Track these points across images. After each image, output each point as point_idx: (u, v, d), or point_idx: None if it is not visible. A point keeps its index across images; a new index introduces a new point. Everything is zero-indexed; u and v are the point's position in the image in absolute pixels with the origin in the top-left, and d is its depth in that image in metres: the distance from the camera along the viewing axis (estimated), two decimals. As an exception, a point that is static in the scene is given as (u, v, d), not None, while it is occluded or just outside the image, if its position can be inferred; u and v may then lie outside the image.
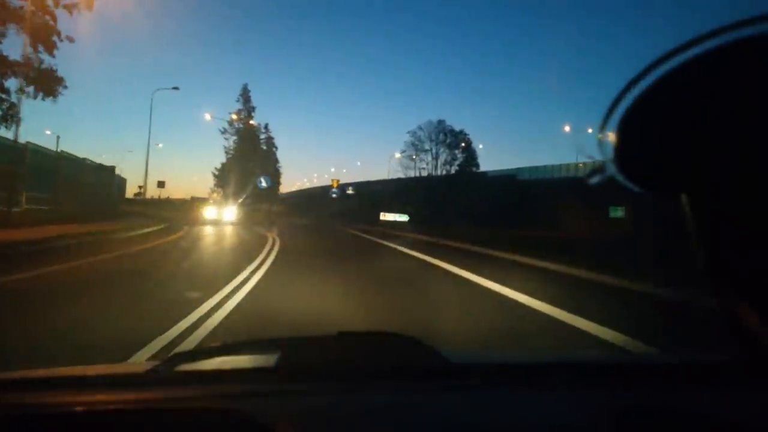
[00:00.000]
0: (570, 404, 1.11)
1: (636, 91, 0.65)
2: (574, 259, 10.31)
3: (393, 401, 1.07)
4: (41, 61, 19.07)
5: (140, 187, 42.87)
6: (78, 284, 6.65)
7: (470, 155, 62.31)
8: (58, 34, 19.18)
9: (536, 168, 52.35)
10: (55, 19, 18.90)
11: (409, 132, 64.39)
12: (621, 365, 1.49)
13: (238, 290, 6.26)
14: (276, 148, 70.26)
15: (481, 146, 63.67)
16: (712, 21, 0.59)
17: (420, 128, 63.29)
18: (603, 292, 7.98)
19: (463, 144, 62.22)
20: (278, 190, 74.88)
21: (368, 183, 70.59)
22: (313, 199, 75.71)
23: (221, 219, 28.68)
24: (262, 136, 67.60)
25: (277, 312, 5.42)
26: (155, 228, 18.82)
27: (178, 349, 3.47)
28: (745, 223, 0.68)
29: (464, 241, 17.03)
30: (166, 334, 4.01)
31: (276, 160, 70.42)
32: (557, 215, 26.70)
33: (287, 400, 1.07)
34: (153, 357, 3.38)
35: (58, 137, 43.09)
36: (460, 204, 42.20)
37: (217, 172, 61.83)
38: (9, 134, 17.57)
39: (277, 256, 10.83)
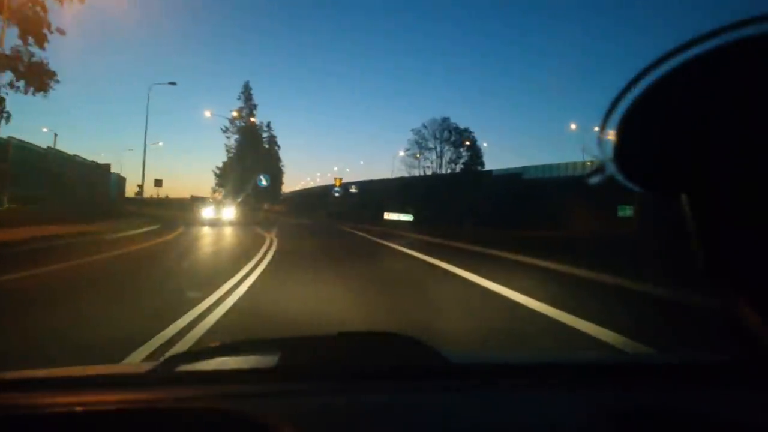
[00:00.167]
0: (570, 404, 1.10)
1: (636, 91, 0.66)
2: (581, 261, 10.03)
3: (393, 401, 1.07)
4: (31, 55, 18.54)
5: (139, 186, 42.30)
6: (13, 302, 5.33)
7: (475, 153, 61.71)
8: (48, 26, 18.63)
9: (542, 167, 51.56)
10: (45, 9, 18.34)
11: (412, 130, 63.85)
12: (621, 365, 1.49)
13: (217, 306, 5.29)
14: (278, 146, 69.92)
15: (485, 145, 62.97)
16: (716, 20, 0.59)
17: (424, 126, 62.77)
18: (612, 294, 7.77)
19: (467, 142, 61.59)
20: (281, 189, 74.62)
21: (371, 182, 69.80)
22: (316, 198, 75.20)
23: (220, 219, 27.77)
24: (264, 135, 67.21)
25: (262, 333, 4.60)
26: (146, 229, 18.06)
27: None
28: (745, 223, 0.69)
29: (470, 241, 16.41)
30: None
31: (278, 159, 70.08)
32: (564, 214, 26.66)
33: (287, 400, 1.07)
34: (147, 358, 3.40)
35: (55, 135, 42.41)
36: (464, 203, 41.79)
37: (218, 171, 61.46)
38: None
39: (271, 261, 9.91)
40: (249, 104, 61.44)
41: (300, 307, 5.69)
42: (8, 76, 17.99)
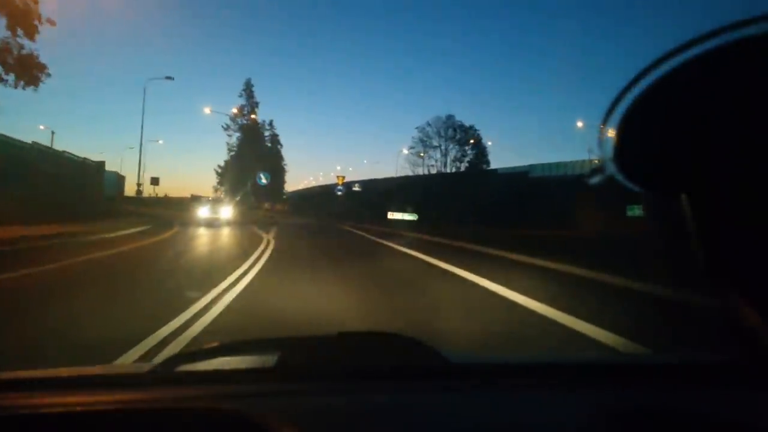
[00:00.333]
0: (570, 404, 1.10)
1: (636, 91, 0.66)
2: (584, 261, 9.79)
3: (393, 401, 1.07)
4: (21, 47, 17.96)
5: (139, 184, 41.77)
6: None
7: (480, 151, 60.93)
8: (39, 17, 18.05)
9: (549, 165, 50.94)
10: (35, 0, 17.76)
11: (417, 128, 62.98)
12: (621, 365, 1.48)
13: (190, 326, 4.38)
14: (281, 145, 69.31)
15: (490, 143, 62.10)
16: (716, 20, 0.60)
17: (428, 124, 61.95)
18: (612, 294, 7.69)
19: (472, 140, 60.81)
20: (283, 188, 74.14)
21: (374, 181, 68.96)
22: (318, 197, 74.70)
23: (218, 218, 26.39)
24: (267, 133, 66.64)
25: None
26: (136, 230, 17.08)
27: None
28: (745, 223, 0.69)
29: (477, 242, 15.81)
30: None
31: (281, 158, 69.47)
32: (572, 214, 26.43)
33: (287, 400, 1.07)
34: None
35: (52, 133, 41.92)
36: (470, 202, 41.26)
37: (219, 170, 60.85)
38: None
39: (265, 265, 9.03)
40: (251, 102, 60.90)
41: (293, 317, 4.99)
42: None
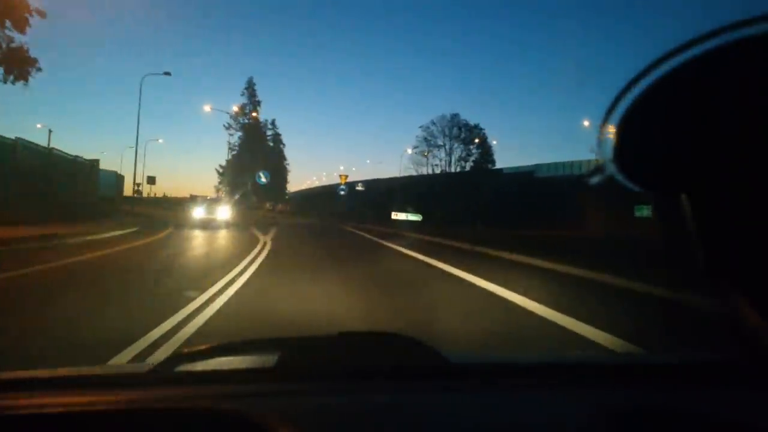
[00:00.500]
0: (570, 404, 1.10)
1: (636, 91, 0.66)
2: (591, 263, 9.58)
3: (393, 401, 1.07)
4: (10, 40, 17.24)
5: (138, 184, 41.09)
6: None
7: (486, 151, 60.03)
8: (28, 8, 17.35)
9: (555, 164, 50.43)
10: None
11: (421, 127, 62.16)
12: (621, 365, 1.48)
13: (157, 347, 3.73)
14: (283, 144, 68.68)
15: (495, 142, 61.16)
16: (717, 20, 0.60)
17: (433, 123, 61.10)
18: (614, 296, 7.57)
19: (477, 140, 59.88)
20: (285, 188, 73.45)
21: (378, 181, 68.10)
22: (321, 197, 74.09)
23: (214, 219, 24.45)
24: (269, 133, 66.09)
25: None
26: (124, 231, 16.03)
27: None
28: (745, 223, 0.69)
29: (483, 244, 15.18)
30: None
31: (283, 158, 68.81)
32: (579, 214, 26.55)
33: (287, 400, 1.06)
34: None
35: (49, 131, 41.07)
36: (475, 203, 40.70)
37: (221, 170, 59.96)
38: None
39: (257, 271, 8.24)
40: (253, 100, 60.29)
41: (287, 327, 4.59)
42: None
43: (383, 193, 56.12)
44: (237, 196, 36.34)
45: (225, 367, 1.22)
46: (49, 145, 29.12)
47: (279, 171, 65.42)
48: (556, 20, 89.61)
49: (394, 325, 4.75)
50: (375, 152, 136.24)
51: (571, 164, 47.35)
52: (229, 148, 58.06)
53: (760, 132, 0.64)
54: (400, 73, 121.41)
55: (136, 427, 0.99)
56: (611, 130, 0.69)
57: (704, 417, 1.03)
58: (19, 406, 0.98)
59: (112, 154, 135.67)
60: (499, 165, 59.83)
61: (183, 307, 5.06)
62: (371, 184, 64.28)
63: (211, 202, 27.51)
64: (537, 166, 52.60)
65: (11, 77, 17.76)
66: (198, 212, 24.99)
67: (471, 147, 60.42)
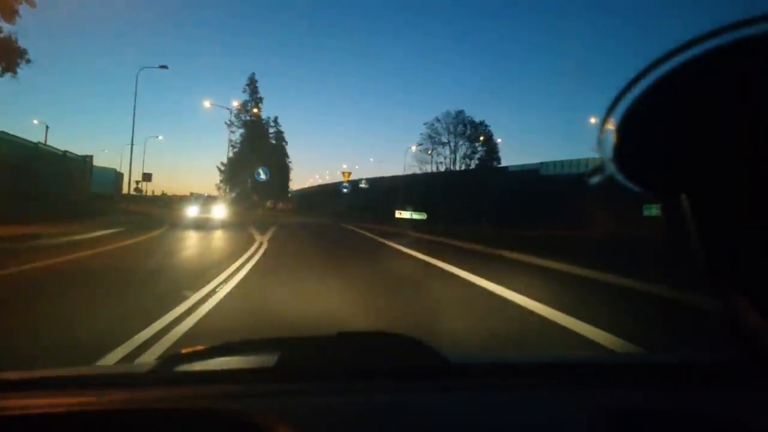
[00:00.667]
0: (570, 404, 1.10)
1: (636, 91, 0.66)
2: (596, 263, 9.41)
3: (393, 401, 1.07)
4: None
5: (137, 182, 40.42)
6: None
7: (491, 148, 59.18)
8: None
9: (561, 162, 49.64)
10: None
11: (425, 124, 61.31)
12: (621, 365, 1.48)
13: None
14: (286, 142, 67.90)
15: (499, 140, 60.29)
16: (717, 20, 0.60)
17: (437, 120, 60.26)
18: (616, 296, 7.55)
19: (482, 137, 59.01)
20: (288, 186, 72.80)
21: (381, 179, 67.14)
22: (324, 195, 73.55)
23: (210, 218, 22.94)
24: (271, 130, 65.33)
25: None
26: (112, 231, 14.84)
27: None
28: (745, 223, 0.69)
29: (495, 244, 14.58)
30: None
31: (286, 155, 68.03)
32: (585, 213, 25.86)
33: (287, 400, 1.07)
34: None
35: (47, 127, 40.47)
36: (480, 201, 40.10)
37: (222, 167, 59.14)
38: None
39: (247, 277, 7.43)
40: (255, 97, 59.61)
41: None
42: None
43: (387, 192, 55.31)
44: (234, 195, 35.47)
45: (224, 367, 1.21)
46: (45, 141, 28.44)
47: (281, 169, 64.81)
48: (561, 18, 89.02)
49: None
50: (378, 150, 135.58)
51: (578, 162, 46.61)
52: (231, 146, 57.37)
53: (760, 132, 0.64)
54: (403, 71, 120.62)
55: (136, 427, 0.98)
56: (611, 127, 0.68)
57: (704, 417, 1.03)
58: (19, 406, 0.98)
59: (113, 152, 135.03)
60: (504, 162, 59.11)
61: (142, 330, 4.15)
62: (375, 182, 63.38)
63: (207, 201, 25.94)
64: (542, 164, 51.98)
65: None
66: (192, 211, 23.47)
67: (476, 144, 59.59)
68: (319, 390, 1.12)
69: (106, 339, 3.78)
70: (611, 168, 0.71)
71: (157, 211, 30.11)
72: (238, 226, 22.69)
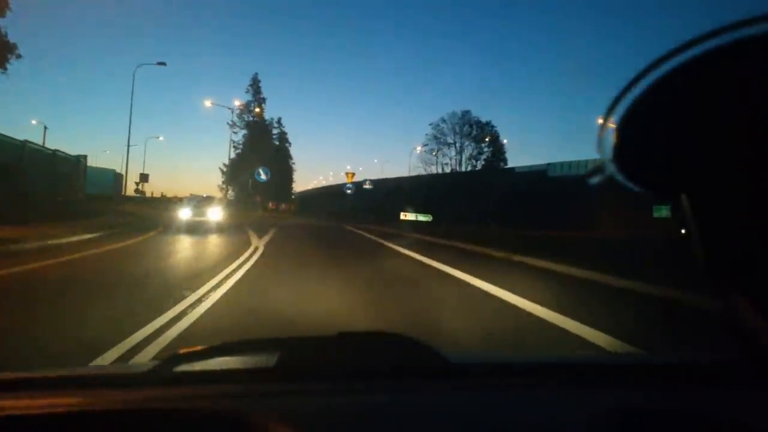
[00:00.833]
0: (570, 404, 1.10)
1: (636, 91, 0.66)
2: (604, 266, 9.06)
3: (393, 401, 1.07)
4: None
5: (137, 183, 39.75)
6: None
7: (497, 149, 58.32)
8: None
9: (569, 163, 48.89)
10: None
11: (431, 124, 60.58)
12: (621, 366, 1.48)
13: None
14: (289, 143, 67.34)
15: (505, 141, 59.37)
16: (717, 20, 0.60)
17: (443, 120, 59.49)
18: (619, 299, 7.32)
19: (488, 137, 58.12)
20: (291, 188, 72.21)
21: (385, 180, 66.44)
22: (327, 197, 72.86)
23: (206, 220, 21.19)
24: (275, 131, 64.74)
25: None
26: (94, 235, 13.52)
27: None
28: (745, 223, 0.69)
29: (503, 248, 13.63)
30: None
31: (289, 156, 67.49)
32: (595, 214, 26.15)
33: (287, 400, 1.07)
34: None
35: (45, 128, 40.14)
36: (487, 202, 39.52)
37: (225, 168, 58.33)
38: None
39: (231, 292, 6.33)
40: (258, 98, 59.13)
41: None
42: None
43: (391, 193, 54.54)
44: (236, 196, 34.55)
45: (225, 367, 1.21)
46: (44, 142, 27.76)
47: (285, 170, 64.25)
48: (567, 18, 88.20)
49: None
50: (383, 152, 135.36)
51: (586, 163, 45.89)
52: (233, 147, 56.63)
53: (760, 132, 0.64)
54: (408, 72, 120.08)
55: (136, 427, 0.98)
56: (612, 125, 0.68)
57: (704, 417, 1.03)
58: (19, 406, 0.98)
59: (115, 153, 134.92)
60: (511, 164, 58.27)
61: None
62: (379, 184, 62.39)
63: (201, 202, 23.58)
64: (549, 165, 51.30)
65: None
66: (185, 213, 21.47)
67: (482, 145, 58.84)
68: (319, 390, 1.12)
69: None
70: (611, 168, 0.71)
71: (154, 213, 28.98)
72: (235, 228, 21.57)
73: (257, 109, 58.50)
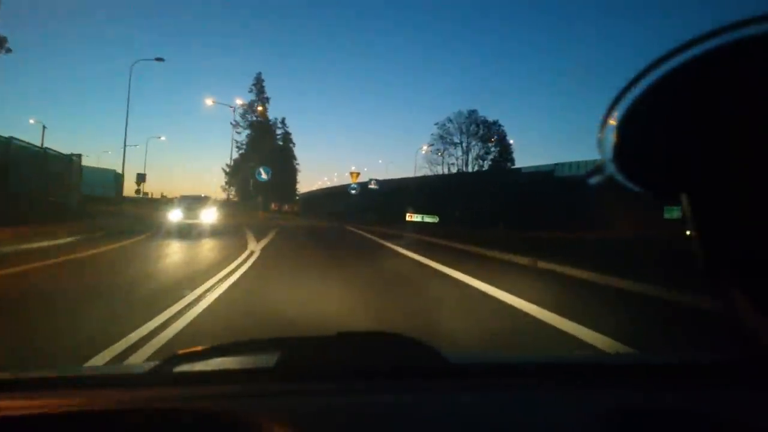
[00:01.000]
0: (570, 404, 1.10)
1: (636, 91, 0.66)
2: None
3: (393, 401, 1.07)
4: None
5: (138, 183, 39.02)
6: None
7: (504, 149, 57.47)
8: None
9: (577, 163, 48.24)
10: None
11: (437, 124, 59.94)
12: (621, 365, 1.47)
13: None
14: (293, 144, 66.68)
15: (512, 141, 58.45)
16: (717, 20, 0.60)
17: (449, 120, 58.83)
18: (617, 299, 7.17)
19: (495, 137, 57.25)
20: (295, 188, 71.57)
21: (391, 181, 65.37)
22: (331, 198, 72.09)
23: (199, 222, 19.12)
24: (279, 132, 64.11)
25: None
26: (74, 239, 12.43)
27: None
28: (745, 223, 0.69)
29: (517, 252, 12.65)
30: None
31: (293, 157, 66.87)
32: (603, 215, 25.25)
33: (287, 400, 1.07)
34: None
35: (43, 127, 39.44)
36: (494, 203, 38.94)
37: (228, 169, 57.60)
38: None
39: (212, 308, 5.32)
40: (261, 97, 58.51)
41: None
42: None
43: (397, 194, 53.71)
44: (239, 197, 33.75)
45: (224, 368, 1.21)
46: (42, 142, 27.03)
47: (289, 171, 63.64)
48: (574, 18, 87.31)
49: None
50: (388, 152, 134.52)
51: (594, 163, 44.98)
52: (237, 147, 55.84)
53: (760, 132, 0.64)
54: (413, 72, 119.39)
55: (135, 427, 0.98)
56: (613, 122, 0.68)
57: (704, 417, 1.03)
58: (18, 406, 0.98)
59: (116, 154, 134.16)
60: (518, 164, 57.40)
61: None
62: (384, 184, 61.55)
63: (193, 203, 20.93)
64: (557, 165, 50.64)
65: None
66: (175, 215, 19.26)
67: (489, 145, 57.97)
68: (319, 390, 1.11)
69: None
70: (611, 168, 0.71)
71: (151, 214, 28.03)
72: (233, 229, 20.52)
73: (260, 108, 57.76)
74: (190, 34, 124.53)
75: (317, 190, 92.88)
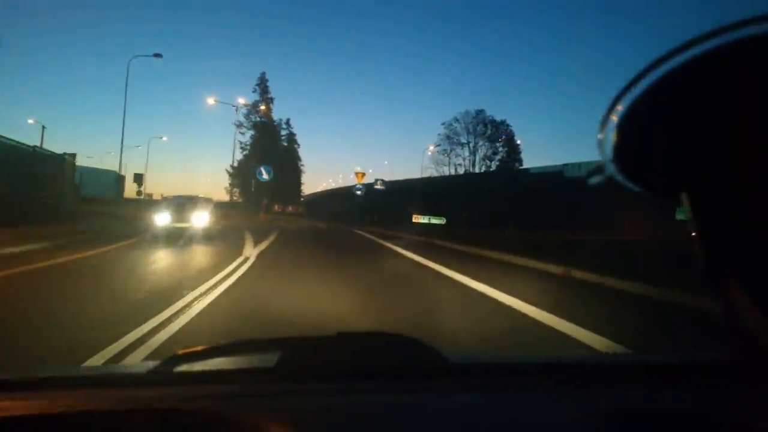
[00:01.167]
0: (570, 404, 1.10)
1: (636, 91, 0.65)
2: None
3: (393, 401, 1.07)
4: None
5: (139, 184, 38.43)
6: None
7: (512, 149, 56.52)
8: None
9: (587, 164, 47.41)
10: None
11: (443, 124, 59.01)
12: (620, 365, 1.46)
13: None
14: (298, 145, 66.01)
15: (519, 141, 57.53)
16: (717, 20, 0.59)
17: (456, 120, 57.97)
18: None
19: (503, 137, 56.34)
20: (300, 190, 70.95)
21: (397, 182, 64.37)
22: (336, 199, 71.53)
23: (190, 226, 16.74)
24: (283, 133, 63.49)
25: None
26: (52, 243, 11.04)
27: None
28: (745, 223, 0.68)
29: (559, 261, 11.40)
30: None
31: (298, 158, 66.25)
32: (614, 216, 25.33)
33: (287, 400, 1.06)
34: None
35: (43, 127, 38.80)
36: (502, 204, 38.16)
37: (231, 170, 56.82)
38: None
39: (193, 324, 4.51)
40: (265, 97, 57.76)
41: None
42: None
43: (403, 195, 52.90)
44: (239, 197, 33.11)
45: (224, 368, 1.21)
46: (42, 143, 26.36)
47: (293, 172, 63.03)
48: (582, 18, 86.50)
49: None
50: (393, 153, 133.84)
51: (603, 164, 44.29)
52: (241, 148, 55.07)
53: (760, 132, 0.63)
54: (419, 72, 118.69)
55: (136, 427, 0.98)
56: (614, 118, 0.68)
57: (704, 417, 1.03)
58: (19, 406, 0.97)
59: (117, 155, 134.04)
60: (526, 164, 56.52)
61: None
62: (390, 185, 60.78)
63: (182, 204, 18.19)
64: (566, 165, 50.03)
65: None
66: (162, 218, 16.83)
67: (497, 145, 57.06)
68: (319, 390, 1.11)
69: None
70: (611, 168, 0.71)
71: (146, 216, 27.11)
72: (232, 230, 19.61)
73: (263, 107, 57.02)
74: (193, 35, 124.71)
75: (322, 192, 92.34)
